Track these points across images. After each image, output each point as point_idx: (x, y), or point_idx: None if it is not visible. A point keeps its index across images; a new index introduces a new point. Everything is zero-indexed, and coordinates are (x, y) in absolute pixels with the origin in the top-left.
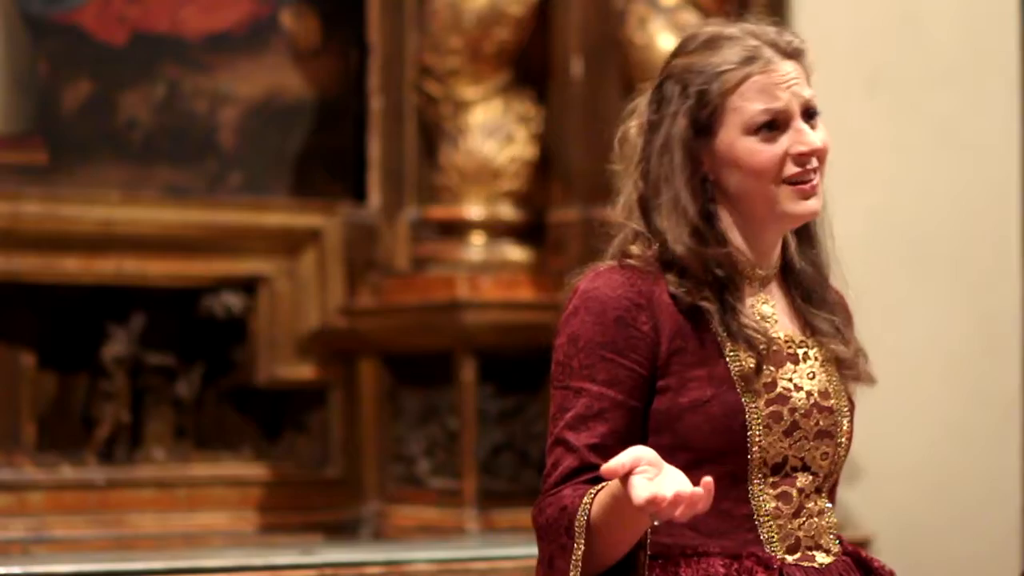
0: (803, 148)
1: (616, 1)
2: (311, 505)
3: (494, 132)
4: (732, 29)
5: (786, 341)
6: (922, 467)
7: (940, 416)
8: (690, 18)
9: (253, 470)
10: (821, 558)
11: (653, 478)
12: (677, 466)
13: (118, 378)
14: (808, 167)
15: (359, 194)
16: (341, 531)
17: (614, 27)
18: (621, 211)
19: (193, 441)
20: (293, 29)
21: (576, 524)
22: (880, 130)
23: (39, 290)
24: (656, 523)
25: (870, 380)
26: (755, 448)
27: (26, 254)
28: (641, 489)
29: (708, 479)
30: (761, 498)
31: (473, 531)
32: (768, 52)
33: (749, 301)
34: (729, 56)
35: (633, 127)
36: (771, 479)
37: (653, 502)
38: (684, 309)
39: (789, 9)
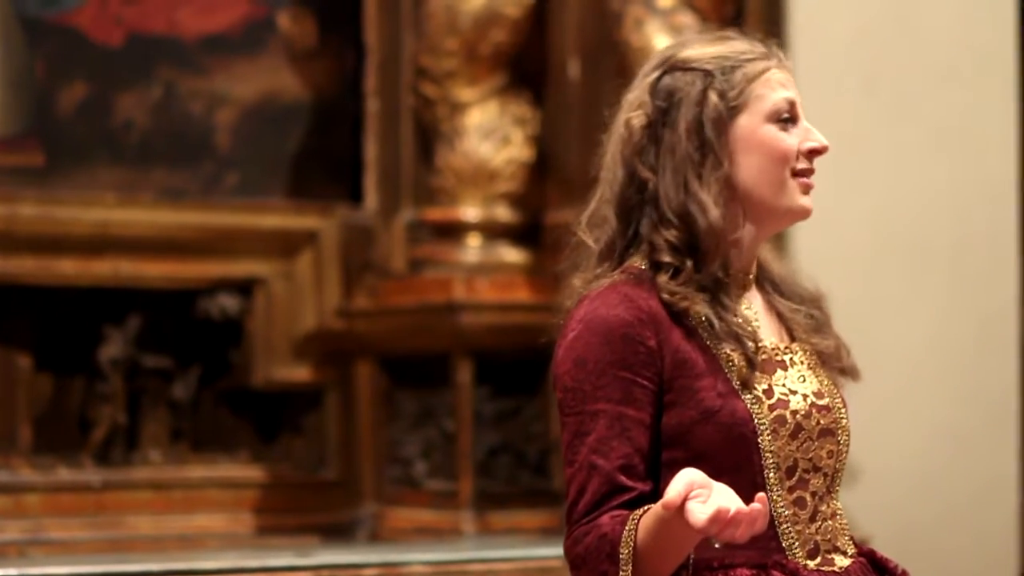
0: (815, 144)
1: (612, 3)
2: (307, 507)
3: (490, 134)
4: (729, 32)
5: (772, 350)
6: (918, 468)
7: (936, 417)
8: (686, 20)
9: (249, 472)
10: (840, 561)
11: (706, 500)
12: None
13: (114, 380)
14: (812, 165)
15: (355, 196)
16: (337, 533)
17: (610, 29)
18: (604, 206)
19: (189, 443)
20: (289, 31)
21: (621, 551)
22: (877, 131)
23: (35, 292)
24: (717, 545)
25: (855, 374)
26: (767, 454)
27: (22, 256)
28: (699, 513)
29: (762, 494)
30: (780, 504)
31: (469, 533)
32: (774, 52)
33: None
34: (745, 48)
35: (637, 116)
36: (787, 483)
37: (716, 521)
38: (678, 320)
39: (786, 10)
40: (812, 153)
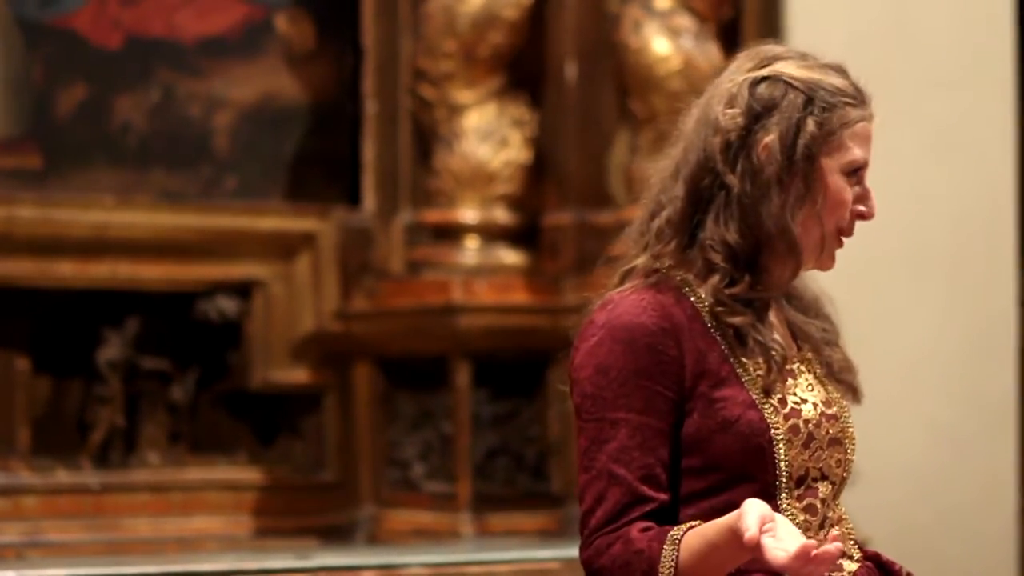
0: (866, 210)
1: (610, 5)
2: (306, 509)
3: (488, 136)
4: (834, 63)
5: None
6: (917, 470)
7: (935, 419)
8: (684, 22)
9: (248, 474)
10: (848, 566)
11: (774, 535)
12: (710, 486)
13: (113, 382)
14: (853, 228)
15: (354, 198)
16: (336, 535)
17: (608, 31)
18: (676, 184)
19: (188, 445)
20: (287, 33)
21: (661, 571)
22: (875, 136)
23: (33, 294)
24: None
25: (858, 396)
26: (781, 464)
27: (20, 258)
28: (779, 551)
29: (836, 531)
30: (790, 512)
31: (468, 535)
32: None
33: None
34: (845, 86)
35: (731, 114)
36: (796, 492)
37: (799, 558)
38: (701, 327)
39: (783, 15)
40: (859, 216)
